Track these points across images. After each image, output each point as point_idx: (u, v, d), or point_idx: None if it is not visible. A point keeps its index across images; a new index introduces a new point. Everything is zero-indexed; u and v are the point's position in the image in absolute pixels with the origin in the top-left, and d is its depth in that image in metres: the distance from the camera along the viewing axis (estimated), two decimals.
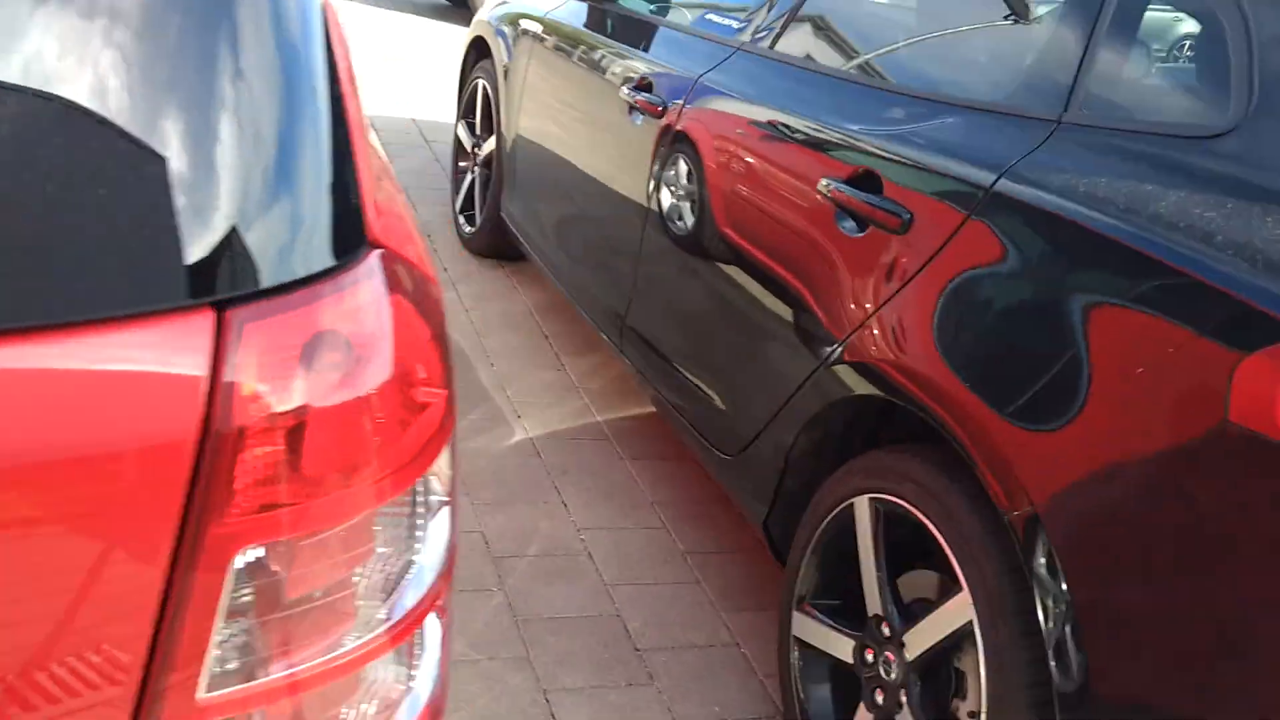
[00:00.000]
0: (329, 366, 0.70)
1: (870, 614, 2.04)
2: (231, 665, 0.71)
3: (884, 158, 2.10)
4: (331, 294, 0.73)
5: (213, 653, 0.69)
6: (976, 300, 1.86)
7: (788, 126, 2.37)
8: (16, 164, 0.64)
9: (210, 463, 0.66)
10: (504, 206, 4.11)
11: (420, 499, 0.82)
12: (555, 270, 3.62)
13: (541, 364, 3.73)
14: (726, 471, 2.56)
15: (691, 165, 2.66)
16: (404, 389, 0.76)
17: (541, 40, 3.81)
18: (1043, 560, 1.65)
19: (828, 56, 2.55)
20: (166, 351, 0.65)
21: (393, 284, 0.79)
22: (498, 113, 4.15)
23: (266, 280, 0.70)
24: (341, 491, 0.71)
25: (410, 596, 0.82)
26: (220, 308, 0.68)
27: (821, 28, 2.62)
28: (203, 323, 0.67)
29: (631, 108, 3.01)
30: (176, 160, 0.69)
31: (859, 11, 2.73)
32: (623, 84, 3.09)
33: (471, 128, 4.55)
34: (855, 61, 2.47)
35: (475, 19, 4.55)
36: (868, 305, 2.05)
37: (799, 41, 2.62)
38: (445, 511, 0.88)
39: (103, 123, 0.67)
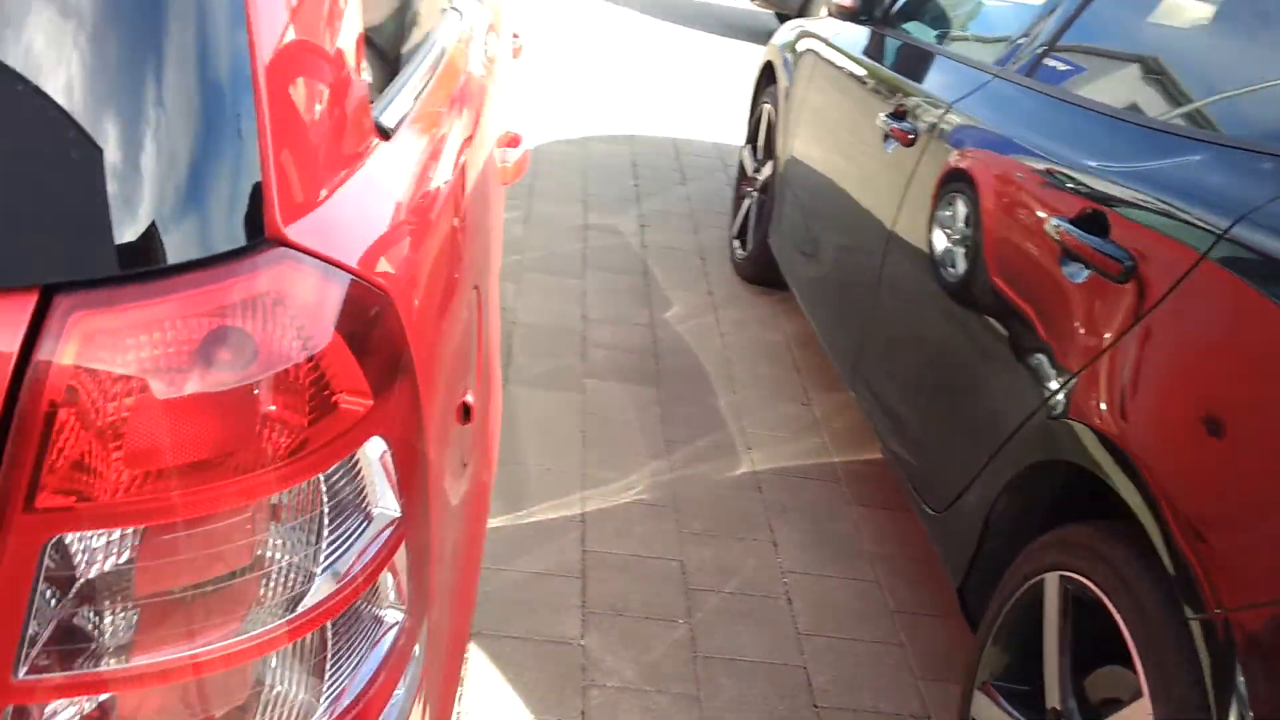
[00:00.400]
0: (165, 363, 0.67)
1: (1049, 707, 1.80)
2: (57, 651, 0.68)
3: (1114, 197, 1.86)
4: (186, 289, 0.69)
5: (29, 636, 0.67)
6: (1191, 363, 1.60)
7: (1027, 159, 2.16)
8: None
9: (14, 445, 0.64)
10: (771, 233, 4.03)
11: (322, 507, 0.77)
12: (805, 300, 3.51)
13: (786, 397, 3.61)
14: (933, 527, 2.36)
15: (930, 198, 2.49)
16: (270, 392, 0.71)
17: (817, 64, 3.71)
18: (1228, 676, 1.39)
19: (1079, 85, 2.30)
20: None
21: (278, 284, 0.73)
22: (776, 138, 4.08)
23: (103, 269, 0.67)
24: (176, 488, 0.67)
25: (299, 606, 0.76)
26: (48, 292, 0.66)
27: (1078, 54, 2.37)
28: (23, 304, 0.65)
29: (886, 136, 2.86)
30: (16, 137, 0.66)
31: (1118, 39, 2.46)
32: (881, 111, 2.95)
33: (755, 152, 4.51)
34: (1104, 91, 2.22)
35: (769, 43, 4.50)
36: (1076, 361, 1.82)
37: (1053, 69, 2.39)
38: (376, 525, 0.82)
39: None
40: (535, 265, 4.31)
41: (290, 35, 0.79)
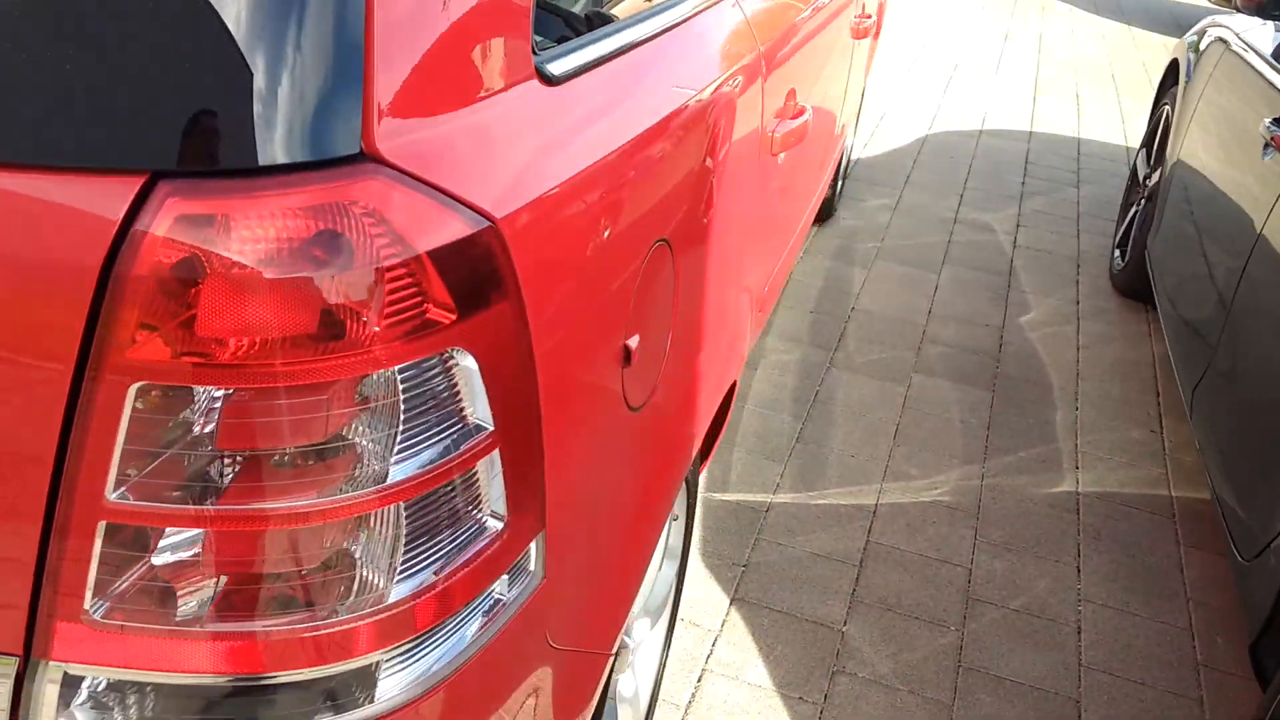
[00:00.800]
0: (240, 249, 0.76)
1: None
2: (148, 484, 0.80)
3: None
4: (271, 190, 0.77)
5: (116, 466, 0.79)
6: None
7: None
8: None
9: (110, 302, 0.76)
10: (1149, 242, 3.73)
11: (398, 399, 0.85)
12: (1164, 316, 3.23)
13: (1134, 421, 3.35)
14: (1239, 575, 2.12)
15: None
16: (341, 287, 0.79)
17: (1216, 63, 3.38)
18: None
19: None
20: (94, 201, 0.76)
21: (361, 195, 0.80)
22: (1169, 142, 3.76)
23: (202, 164, 0.77)
24: (247, 358, 0.78)
25: (370, 485, 0.85)
26: (154, 177, 0.77)
27: None
28: (130, 184, 0.76)
29: (1266, 144, 2.57)
30: (141, 36, 0.76)
31: None
32: (1266, 116, 2.65)
33: (1149, 157, 4.18)
34: None
35: (1180, 39, 4.15)
36: None
37: None
38: (462, 431, 0.90)
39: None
40: (890, 254, 4.24)
41: None
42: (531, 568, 1.05)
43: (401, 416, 0.85)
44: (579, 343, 1.06)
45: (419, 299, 0.82)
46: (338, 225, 0.78)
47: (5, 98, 0.76)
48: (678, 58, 1.42)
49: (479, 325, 0.88)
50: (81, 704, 0.86)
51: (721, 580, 2.46)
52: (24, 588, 0.81)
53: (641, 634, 1.89)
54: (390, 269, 0.80)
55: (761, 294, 2.23)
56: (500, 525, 0.97)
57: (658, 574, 1.92)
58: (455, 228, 0.85)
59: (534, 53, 1.04)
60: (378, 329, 0.80)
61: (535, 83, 1.03)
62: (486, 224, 0.88)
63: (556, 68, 1.08)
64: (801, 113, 1.95)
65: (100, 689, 0.86)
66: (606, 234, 1.10)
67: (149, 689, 0.86)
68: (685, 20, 1.51)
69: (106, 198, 0.76)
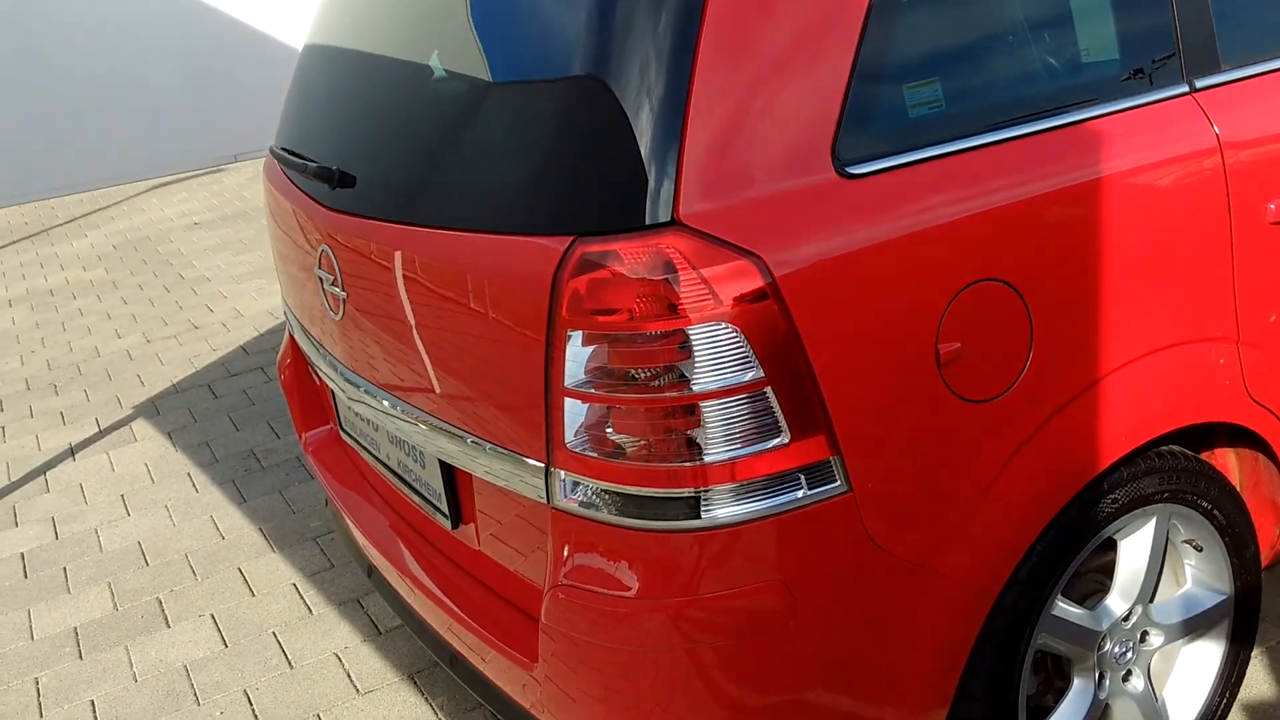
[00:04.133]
0: (624, 268, 1.52)
1: None
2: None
3: None
4: (633, 239, 1.53)
5: (568, 369, 1.58)
6: None
7: None
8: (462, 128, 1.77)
9: (556, 295, 1.57)
10: None
11: (689, 344, 1.52)
12: None
13: None
14: None
15: None
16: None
17: None
18: None
19: None
20: (547, 245, 1.60)
21: (673, 244, 1.53)
22: None
23: (597, 226, 1.57)
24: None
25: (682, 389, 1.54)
26: (575, 239, 1.57)
27: None
28: (561, 243, 1.58)
29: None
30: (570, 142, 1.61)
31: None
32: None
33: None
34: None
35: None
36: None
37: None
38: (742, 369, 1.53)
39: (517, 100, 1.71)
40: None
41: (736, 61, 1.56)
42: (836, 480, 1.58)
43: (698, 358, 1.50)
44: (860, 341, 1.57)
45: (710, 298, 1.49)
46: (663, 255, 1.51)
47: (501, 189, 1.71)
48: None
49: (745, 314, 1.50)
50: (571, 494, 1.64)
51: None
52: (542, 430, 1.64)
53: (1165, 640, 2.07)
54: (690, 276, 1.50)
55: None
56: (786, 439, 1.54)
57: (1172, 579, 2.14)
58: (727, 257, 1.51)
59: (835, 152, 1.57)
60: (687, 307, 1.49)
61: (831, 175, 1.57)
62: (754, 258, 1.52)
63: (860, 167, 1.59)
64: None
65: (586, 490, 1.62)
66: (890, 284, 1.60)
67: (601, 490, 1.60)
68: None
69: (553, 245, 1.58)
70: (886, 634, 1.66)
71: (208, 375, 5.03)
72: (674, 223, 1.51)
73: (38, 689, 2.93)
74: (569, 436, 1.60)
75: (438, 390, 1.84)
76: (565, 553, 1.66)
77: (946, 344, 1.61)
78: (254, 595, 3.23)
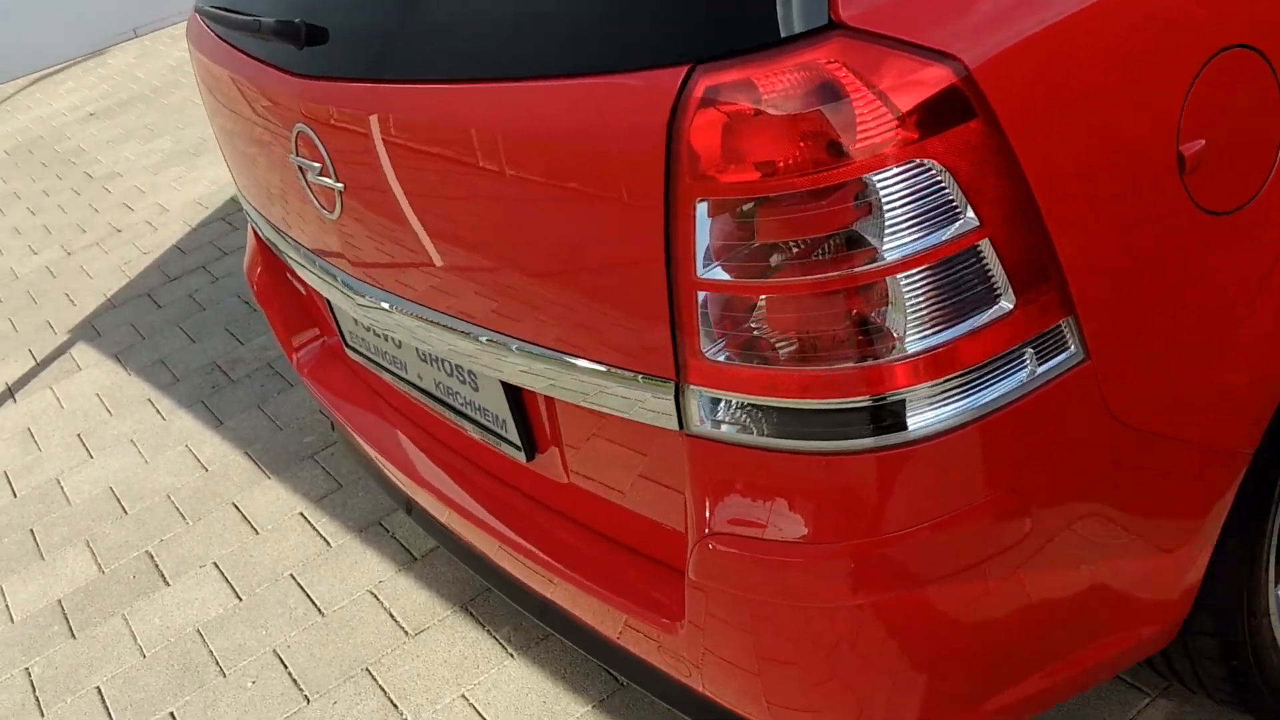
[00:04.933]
0: (763, 102, 1.07)
1: None
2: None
3: None
4: (773, 58, 1.07)
5: (700, 255, 1.15)
6: None
7: None
8: None
9: (675, 148, 1.11)
10: None
11: (877, 197, 1.07)
12: None
13: None
14: None
15: None
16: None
17: None
18: None
19: None
20: (655, 84, 1.13)
21: (833, 55, 1.06)
22: None
23: (723, 48, 1.09)
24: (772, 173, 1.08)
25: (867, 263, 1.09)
26: (692, 65, 1.10)
27: None
28: (677, 71, 1.11)
29: None
30: None
31: None
32: None
33: None
34: None
35: None
36: None
37: None
38: (950, 224, 1.09)
39: None
40: None
41: None
42: (1070, 348, 1.19)
43: (885, 214, 1.07)
44: (1089, 155, 1.14)
45: (898, 128, 1.05)
46: (821, 75, 1.05)
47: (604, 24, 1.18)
48: None
49: (946, 143, 1.07)
50: (713, 416, 1.23)
51: None
52: (667, 337, 1.20)
53: None
54: (864, 101, 1.05)
55: None
56: (1010, 306, 1.14)
57: None
58: (914, 66, 1.06)
59: None
60: (866, 146, 1.05)
61: None
62: (949, 62, 1.07)
63: None
64: None
65: (721, 406, 1.21)
66: (1111, 57, 1.16)
67: (751, 408, 1.19)
68: None
69: (661, 82, 1.12)
70: (1133, 540, 1.30)
71: (144, 283, 4.49)
72: (833, 26, 1.06)
73: (30, 681, 2.54)
74: (705, 342, 1.19)
75: (496, 298, 1.41)
76: (713, 491, 1.27)
77: (1189, 143, 1.20)
78: (258, 533, 2.83)
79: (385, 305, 1.64)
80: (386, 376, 1.92)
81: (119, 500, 3.12)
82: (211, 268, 4.45)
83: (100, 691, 2.45)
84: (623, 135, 1.14)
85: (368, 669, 2.32)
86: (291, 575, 2.64)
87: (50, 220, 5.48)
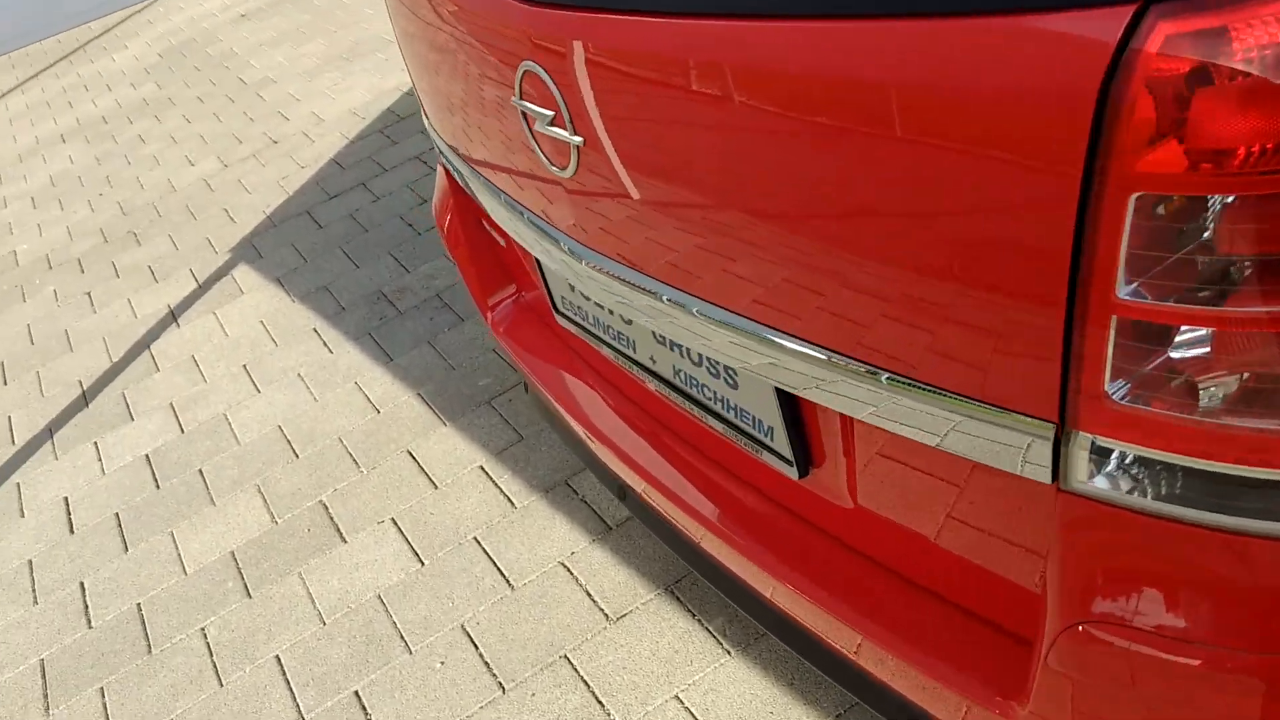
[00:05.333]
0: (1252, 61, 0.72)
1: None
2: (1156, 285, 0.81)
3: None
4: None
5: (1123, 268, 0.82)
6: None
7: None
8: None
9: (1111, 119, 0.77)
10: None
11: None
12: None
13: None
14: None
15: None
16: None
17: None
18: None
19: None
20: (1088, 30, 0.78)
21: None
22: None
23: None
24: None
25: None
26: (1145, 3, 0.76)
27: None
28: (1120, 14, 0.76)
29: None
30: None
31: None
32: None
33: None
34: None
35: None
36: None
37: None
38: None
39: None
40: None
41: None
42: None
43: None
44: None
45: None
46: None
47: None
48: None
49: None
50: (1108, 471, 0.93)
51: None
52: (1054, 369, 0.90)
53: None
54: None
55: None
56: None
57: None
58: None
59: None
60: None
61: None
62: None
63: None
64: None
65: (1124, 461, 0.92)
66: None
67: (1165, 468, 0.89)
68: None
69: (1099, 27, 0.77)
70: None
71: (304, 200, 4.32)
72: None
73: (207, 643, 2.40)
74: (1113, 381, 0.87)
75: (797, 295, 1.11)
76: (1095, 564, 0.97)
77: None
78: (437, 488, 2.63)
79: (624, 283, 1.36)
80: (607, 351, 1.65)
81: (289, 442, 2.95)
82: (371, 185, 4.24)
83: (279, 662, 2.30)
84: (1023, 97, 0.81)
85: (566, 656, 2.10)
86: (476, 539, 2.44)
87: (205, 129, 5.34)
